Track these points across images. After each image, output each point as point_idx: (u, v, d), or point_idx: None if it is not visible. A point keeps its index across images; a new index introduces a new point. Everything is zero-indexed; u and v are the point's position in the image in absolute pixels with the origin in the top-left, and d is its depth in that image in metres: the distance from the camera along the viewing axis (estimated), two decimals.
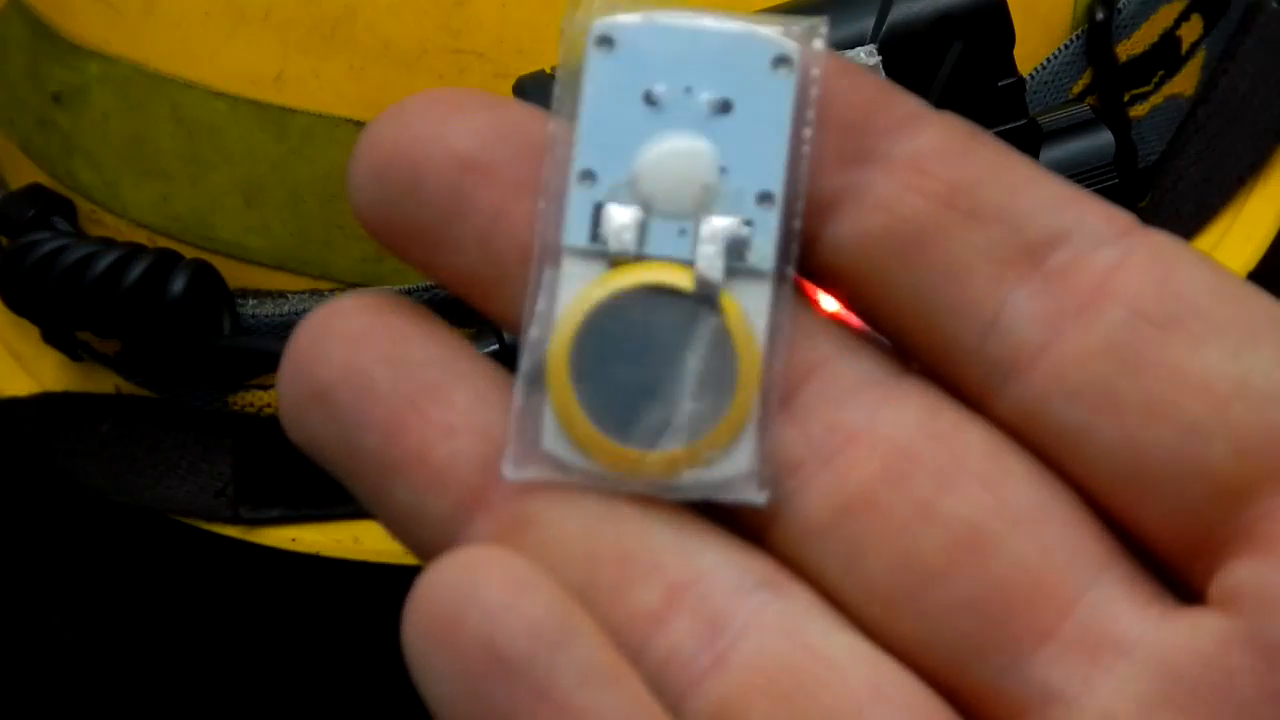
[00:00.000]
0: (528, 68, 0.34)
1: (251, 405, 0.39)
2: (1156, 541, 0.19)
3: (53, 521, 0.48)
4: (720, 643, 0.19)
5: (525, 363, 0.19)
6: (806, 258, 0.20)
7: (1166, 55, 0.41)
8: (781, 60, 0.19)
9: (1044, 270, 0.19)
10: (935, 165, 0.19)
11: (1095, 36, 0.39)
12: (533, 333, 0.19)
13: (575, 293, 0.19)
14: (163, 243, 0.39)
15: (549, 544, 0.19)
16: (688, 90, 0.19)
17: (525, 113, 0.20)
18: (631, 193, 0.19)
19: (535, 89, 0.33)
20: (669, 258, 0.19)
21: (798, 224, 0.19)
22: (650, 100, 0.19)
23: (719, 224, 0.19)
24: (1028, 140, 0.34)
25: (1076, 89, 0.39)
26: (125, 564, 0.48)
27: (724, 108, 0.19)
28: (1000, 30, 0.34)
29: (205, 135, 0.38)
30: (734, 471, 0.19)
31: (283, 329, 0.38)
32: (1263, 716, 0.18)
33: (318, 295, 0.38)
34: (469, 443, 0.19)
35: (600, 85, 0.20)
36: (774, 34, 0.19)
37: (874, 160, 0.19)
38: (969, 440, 0.19)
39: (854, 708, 0.19)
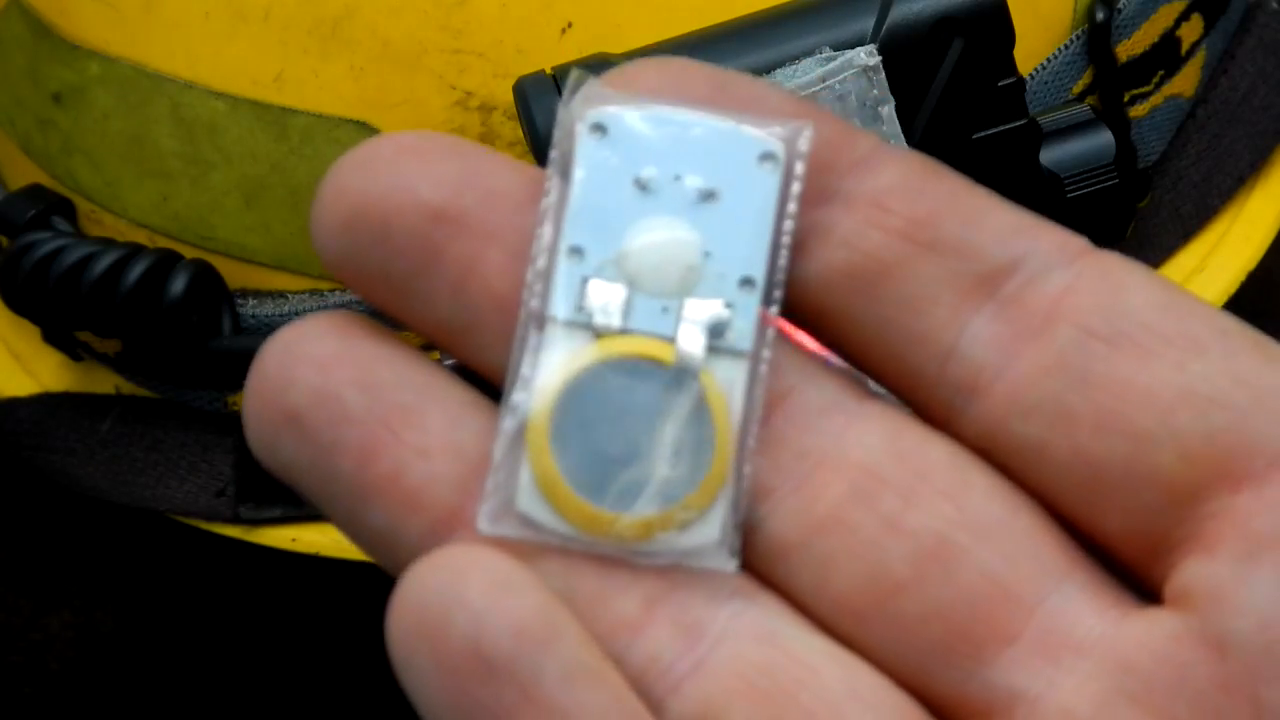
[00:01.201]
0: (528, 68, 0.34)
1: None
2: (1115, 546, 0.20)
3: (53, 521, 0.48)
4: (699, 648, 0.19)
5: (507, 423, 0.20)
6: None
7: (1167, 55, 0.41)
8: (767, 156, 0.20)
9: (999, 297, 0.20)
10: (895, 201, 0.20)
11: (1095, 36, 0.39)
12: (517, 395, 0.20)
13: (559, 360, 0.20)
14: (163, 243, 0.39)
15: (527, 558, 0.19)
16: (676, 178, 0.20)
17: (491, 160, 0.20)
18: (618, 270, 0.20)
19: (535, 89, 0.33)
20: (651, 334, 0.20)
21: (775, 309, 0.20)
22: (640, 184, 0.20)
23: (702, 305, 0.20)
24: (1028, 140, 0.34)
25: (1077, 89, 0.39)
26: (125, 564, 0.48)
27: (710, 196, 0.20)
28: (1000, 30, 0.34)
29: (205, 135, 0.38)
30: (705, 539, 0.20)
31: None
32: (1214, 705, 0.19)
33: (318, 295, 0.38)
34: (443, 464, 0.20)
35: (592, 167, 0.20)
36: (760, 133, 0.20)
37: (836, 199, 0.20)
38: (932, 457, 0.20)
39: (830, 707, 0.19)
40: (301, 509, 0.40)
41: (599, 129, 0.20)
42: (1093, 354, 0.20)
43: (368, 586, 0.44)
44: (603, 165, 0.20)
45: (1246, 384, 0.19)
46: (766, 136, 0.20)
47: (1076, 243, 0.20)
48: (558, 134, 0.20)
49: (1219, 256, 0.43)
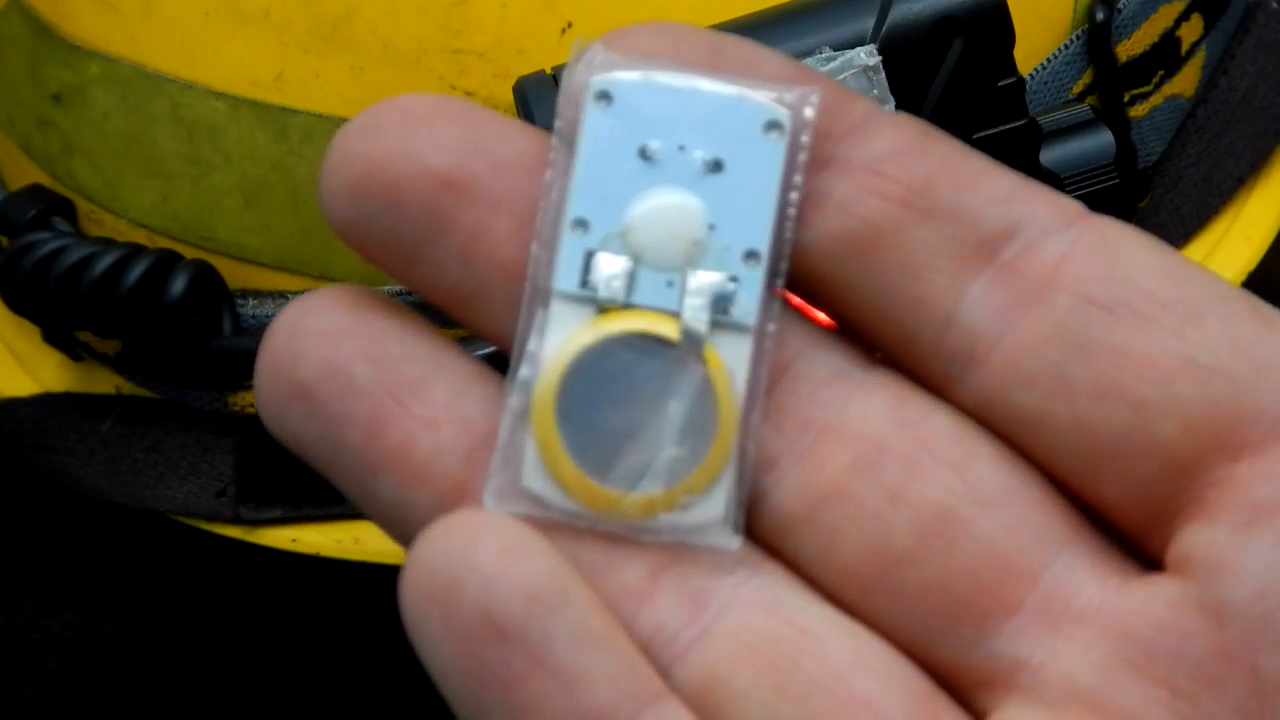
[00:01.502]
0: (528, 68, 0.34)
1: (252, 406, 0.39)
2: (1116, 514, 0.20)
3: (53, 522, 0.48)
4: (703, 617, 0.19)
5: (514, 400, 0.20)
6: None
7: (1167, 55, 0.41)
8: (773, 125, 0.20)
9: (997, 263, 0.20)
10: (891, 167, 0.20)
11: (1095, 36, 0.39)
12: (523, 371, 0.20)
13: (564, 335, 0.20)
14: (163, 243, 0.39)
15: (534, 529, 0.19)
16: (681, 148, 0.20)
17: (498, 125, 0.20)
18: (622, 243, 0.20)
19: (535, 89, 0.33)
20: (656, 308, 0.20)
21: (780, 282, 0.20)
22: (645, 155, 0.20)
23: (706, 278, 0.20)
24: (1028, 140, 0.34)
25: (1077, 89, 0.39)
26: (125, 564, 0.48)
27: (715, 167, 0.20)
28: (1000, 30, 0.34)
29: (205, 135, 0.38)
30: (708, 517, 0.20)
31: None
32: (1213, 673, 0.19)
33: None
34: (451, 436, 0.20)
35: (597, 138, 0.20)
36: (766, 99, 0.20)
37: (832, 165, 0.20)
38: (936, 427, 0.20)
39: (835, 674, 0.19)
40: (301, 510, 0.40)
41: (604, 97, 0.20)
42: (1092, 322, 0.20)
43: (367, 586, 0.44)
44: (608, 136, 0.20)
45: (1246, 352, 0.19)
46: (772, 104, 0.20)
47: (1073, 207, 0.20)
48: (562, 101, 0.20)
49: (1219, 257, 0.43)
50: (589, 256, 0.20)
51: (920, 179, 0.20)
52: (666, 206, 0.20)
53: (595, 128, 0.20)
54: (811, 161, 0.20)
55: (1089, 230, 0.20)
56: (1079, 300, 0.20)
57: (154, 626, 0.48)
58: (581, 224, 0.20)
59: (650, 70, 0.20)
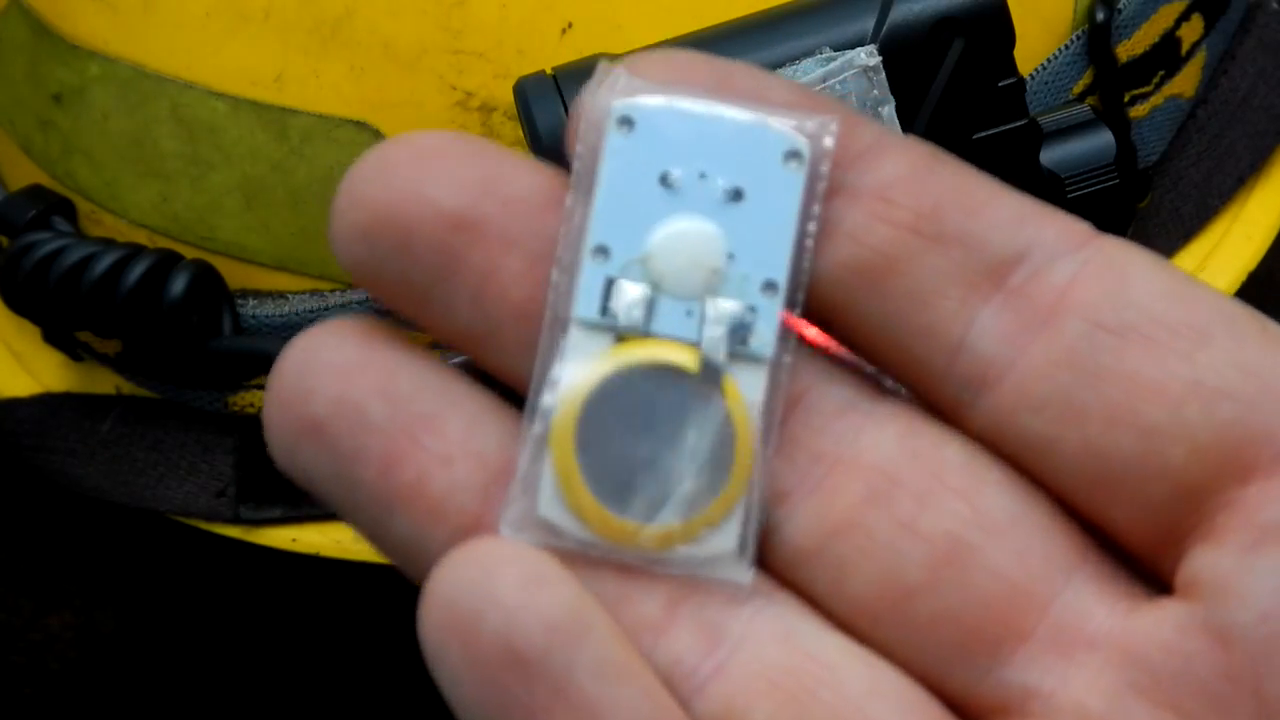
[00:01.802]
0: (528, 68, 0.34)
1: (252, 406, 0.39)
2: (1127, 538, 0.20)
3: (53, 521, 0.48)
4: (720, 650, 0.19)
5: (536, 427, 0.20)
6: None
7: (1167, 56, 0.41)
8: (793, 155, 0.20)
9: (1006, 289, 0.20)
10: (899, 194, 0.20)
11: (1096, 37, 0.39)
12: (545, 399, 0.20)
13: (583, 363, 0.20)
14: (163, 243, 0.39)
15: (553, 558, 0.19)
16: (702, 176, 0.20)
17: (509, 163, 0.20)
18: (642, 271, 0.20)
19: (535, 89, 0.33)
20: (675, 337, 0.20)
21: (796, 311, 0.20)
22: (666, 182, 0.20)
23: (725, 307, 0.20)
24: (1028, 140, 0.34)
25: (1077, 89, 0.39)
26: (125, 564, 0.48)
27: (736, 196, 0.20)
28: (1000, 30, 0.34)
29: (205, 135, 0.38)
30: (721, 549, 0.20)
31: (283, 329, 0.38)
32: (1219, 696, 0.19)
33: (318, 295, 0.38)
34: (466, 471, 0.20)
35: (618, 164, 0.20)
36: (787, 128, 0.20)
37: (842, 192, 0.20)
38: (947, 456, 0.20)
39: (853, 704, 0.19)
40: (301, 509, 0.40)
41: (626, 122, 0.20)
42: (1101, 347, 0.20)
43: (367, 586, 0.44)
44: (629, 162, 0.20)
45: (1254, 374, 0.19)
46: (793, 133, 0.20)
47: (1081, 229, 0.20)
48: (583, 125, 0.20)
49: (1219, 257, 0.43)
50: (609, 283, 0.20)
51: (929, 205, 0.20)
52: (686, 234, 0.20)
53: (617, 153, 0.20)
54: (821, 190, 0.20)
55: (1097, 253, 0.20)
56: (1088, 325, 0.20)
57: (154, 626, 0.48)
58: (602, 251, 0.20)
59: (673, 96, 0.20)
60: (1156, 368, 0.20)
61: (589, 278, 0.20)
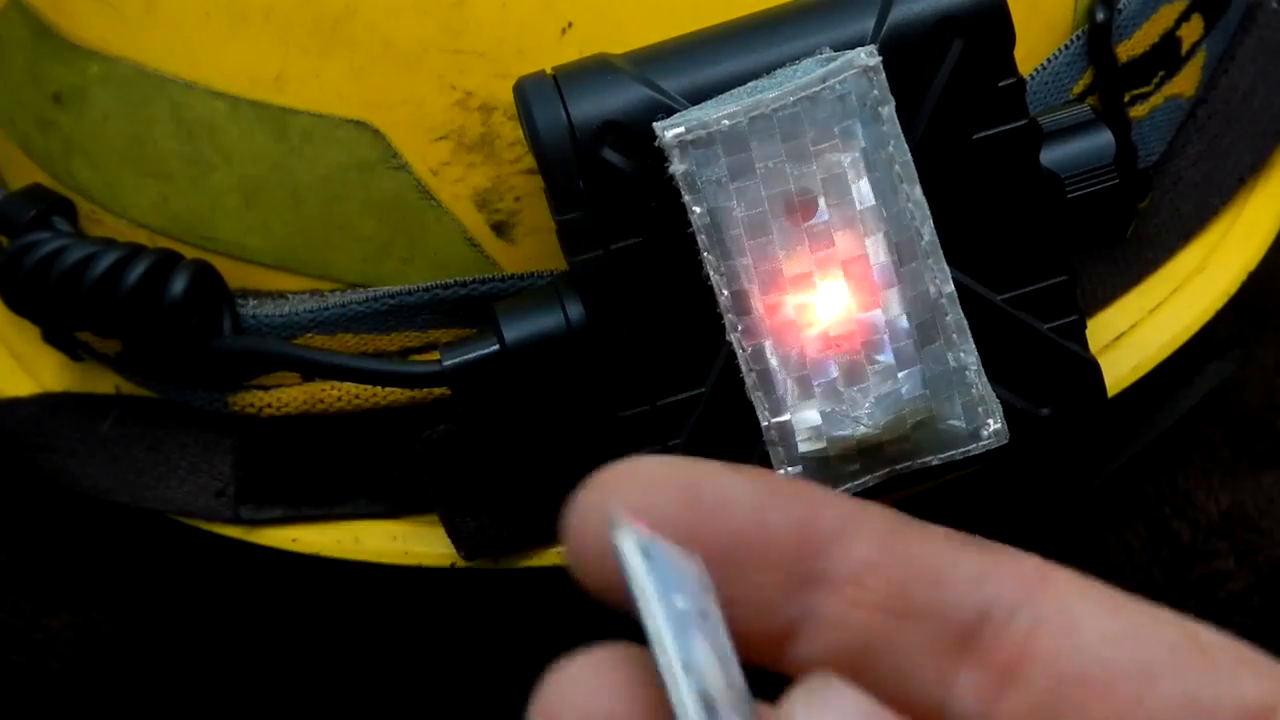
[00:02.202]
0: (528, 68, 0.34)
1: (252, 405, 0.39)
2: None
3: (53, 522, 0.48)
4: None
5: None
6: (774, 669, 0.23)
7: (1167, 56, 0.41)
8: None
9: (976, 650, 0.23)
10: (870, 576, 0.23)
11: (1096, 37, 0.39)
12: None
13: None
14: (163, 243, 0.39)
15: None
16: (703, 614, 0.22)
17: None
18: None
19: (535, 90, 0.33)
20: None
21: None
22: (686, 612, 0.22)
23: None
24: (1027, 140, 0.34)
25: (1077, 89, 0.39)
26: (125, 564, 0.48)
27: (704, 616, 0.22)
28: (1000, 30, 0.34)
29: (205, 135, 0.38)
30: None
31: (283, 329, 0.38)
32: None
33: (318, 295, 0.38)
34: None
35: (657, 599, 0.22)
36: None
37: (820, 584, 0.23)
38: None
39: None
40: (301, 509, 0.40)
41: (647, 555, 0.22)
42: (1064, 697, 0.22)
43: (367, 586, 0.44)
44: (666, 598, 0.21)
45: (1194, 705, 0.22)
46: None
47: (1032, 570, 0.23)
48: (618, 561, 0.22)
49: (1219, 256, 0.43)
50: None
51: (899, 583, 0.23)
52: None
53: (650, 584, 0.22)
54: (800, 581, 0.22)
55: (1050, 601, 0.23)
56: (1050, 678, 0.22)
57: (154, 626, 0.48)
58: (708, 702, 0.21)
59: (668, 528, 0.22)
60: (1112, 713, 0.22)
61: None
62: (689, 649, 0.21)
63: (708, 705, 0.21)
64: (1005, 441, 0.33)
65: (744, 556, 0.22)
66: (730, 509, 0.22)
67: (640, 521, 0.22)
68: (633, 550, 0.21)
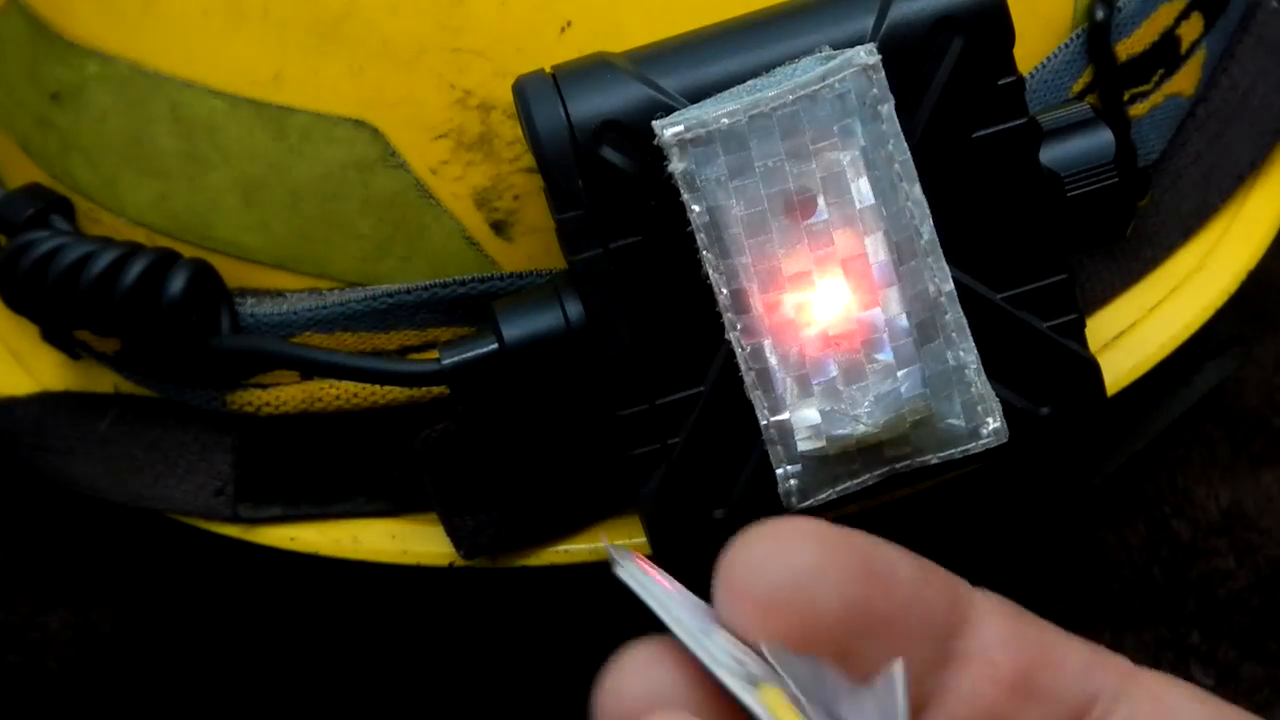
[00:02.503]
0: (527, 66, 0.34)
1: (250, 404, 0.39)
2: None
3: (52, 521, 0.48)
4: None
5: None
6: None
7: (1166, 54, 0.41)
8: None
9: None
10: (1000, 654, 0.25)
11: (1095, 35, 0.39)
12: None
13: None
14: (161, 242, 0.39)
15: None
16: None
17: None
18: None
19: (534, 89, 0.33)
20: None
21: None
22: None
23: None
24: (1027, 139, 0.34)
25: (1076, 88, 0.39)
26: (124, 564, 0.48)
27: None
28: (1000, 29, 0.34)
29: (204, 134, 0.38)
30: None
31: (281, 328, 0.38)
32: None
33: (316, 294, 0.38)
34: None
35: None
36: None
37: (954, 661, 0.25)
38: None
39: None
40: (300, 508, 0.40)
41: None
42: None
43: (366, 586, 0.44)
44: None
45: None
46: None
47: (1128, 667, 0.26)
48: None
49: (1219, 255, 0.42)
50: None
51: (1023, 664, 0.25)
52: None
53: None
54: (937, 660, 0.25)
55: (1146, 693, 0.25)
56: None
57: (152, 625, 0.48)
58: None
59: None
60: None
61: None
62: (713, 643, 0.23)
63: (748, 677, 0.23)
64: (1004, 440, 0.33)
65: (901, 629, 0.24)
66: (896, 583, 0.24)
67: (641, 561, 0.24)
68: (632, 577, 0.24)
